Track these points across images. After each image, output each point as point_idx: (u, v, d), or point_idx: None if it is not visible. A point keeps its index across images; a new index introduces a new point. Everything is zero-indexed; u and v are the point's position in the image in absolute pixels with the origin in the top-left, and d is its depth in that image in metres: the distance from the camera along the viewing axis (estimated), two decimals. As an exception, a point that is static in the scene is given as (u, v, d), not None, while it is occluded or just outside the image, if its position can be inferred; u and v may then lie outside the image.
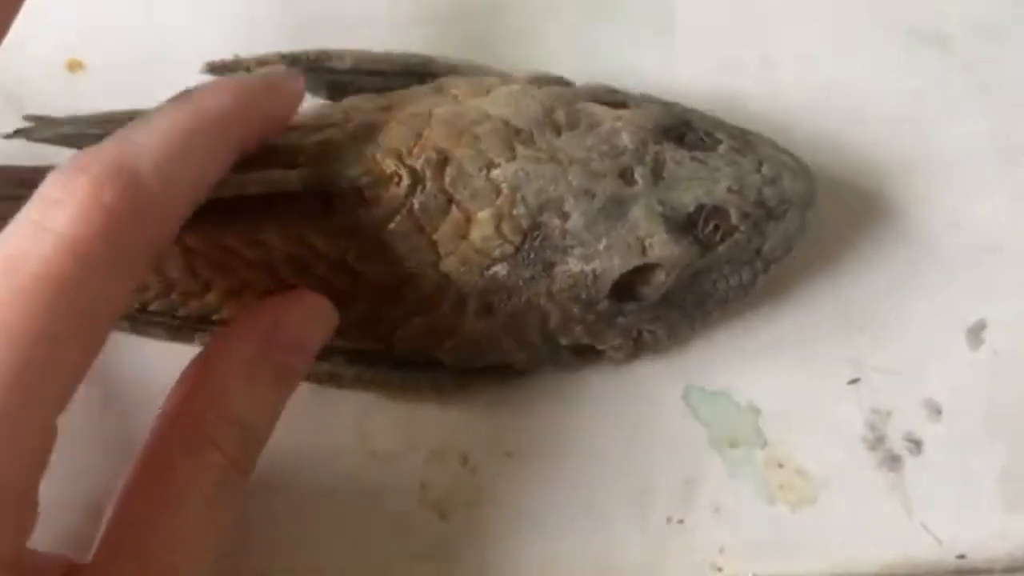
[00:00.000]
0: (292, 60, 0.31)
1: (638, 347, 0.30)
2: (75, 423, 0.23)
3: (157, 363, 0.30)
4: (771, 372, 0.32)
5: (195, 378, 0.26)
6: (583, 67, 0.34)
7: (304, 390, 0.30)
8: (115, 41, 0.34)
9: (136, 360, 0.31)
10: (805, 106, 0.35)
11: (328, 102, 0.32)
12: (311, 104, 0.31)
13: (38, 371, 0.21)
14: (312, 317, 0.27)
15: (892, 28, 0.35)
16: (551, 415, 0.32)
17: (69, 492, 0.28)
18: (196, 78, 0.33)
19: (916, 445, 0.32)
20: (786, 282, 0.33)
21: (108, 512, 0.25)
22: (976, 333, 0.33)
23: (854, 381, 0.32)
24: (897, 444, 0.32)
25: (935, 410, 0.32)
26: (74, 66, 0.34)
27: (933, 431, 0.32)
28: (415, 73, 0.32)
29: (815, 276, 0.33)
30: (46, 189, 0.22)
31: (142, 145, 0.23)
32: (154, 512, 0.24)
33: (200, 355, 0.27)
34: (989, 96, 0.35)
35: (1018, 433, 0.32)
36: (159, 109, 0.25)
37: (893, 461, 0.32)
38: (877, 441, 0.32)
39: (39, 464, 0.22)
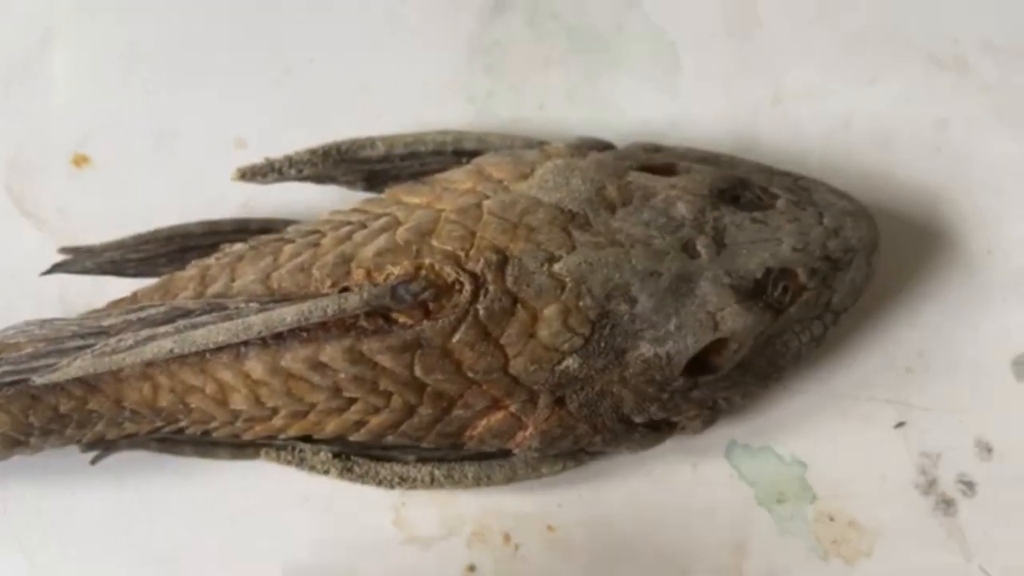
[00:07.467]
0: (323, 154, 0.30)
1: (714, 414, 0.29)
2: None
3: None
4: (814, 422, 0.31)
5: None
6: (593, 121, 0.34)
7: (336, 483, 0.30)
8: (120, 135, 0.34)
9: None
10: (822, 141, 0.34)
11: (369, 195, 0.31)
12: (353, 199, 0.30)
13: None
14: None
15: (907, 54, 0.34)
16: (589, 484, 0.31)
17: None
18: (202, 167, 0.33)
19: (969, 486, 0.31)
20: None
21: None
22: (1022, 364, 0.32)
23: (901, 424, 0.31)
24: (950, 487, 0.31)
25: (986, 448, 0.31)
26: (80, 161, 0.34)
27: (985, 470, 0.31)
28: (448, 152, 0.31)
29: (850, 317, 0.32)
30: None
31: None
32: None
33: None
34: (1013, 117, 0.34)
35: (1073, 465, 0.31)
36: None
37: (947, 505, 0.31)
38: (929, 485, 0.31)
39: None
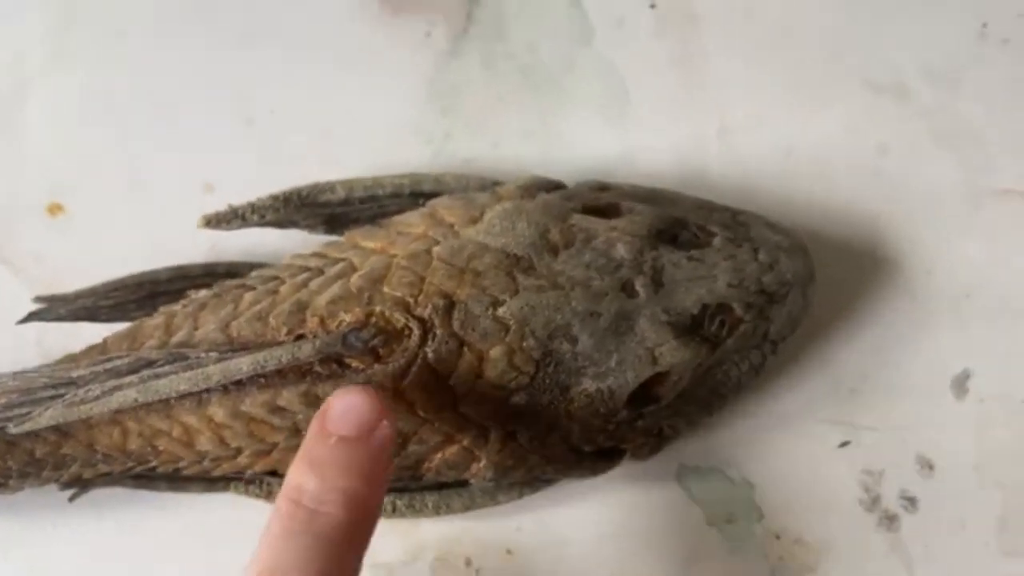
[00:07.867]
0: (285, 200, 0.32)
1: (660, 441, 0.31)
2: None
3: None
4: (761, 444, 0.33)
5: None
6: (546, 158, 0.35)
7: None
8: (93, 184, 0.35)
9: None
10: (768, 170, 0.35)
11: (329, 239, 0.32)
12: (313, 242, 0.32)
13: None
14: None
15: (847, 83, 0.35)
16: (546, 509, 0.32)
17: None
18: (172, 213, 0.34)
19: (911, 502, 0.32)
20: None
21: None
22: (961, 383, 0.33)
23: (845, 444, 0.33)
24: (893, 503, 0.32)
25: (927, 465, 0.33)
26: (55, 210, 0.35)
27: (927, 486, 0.33)
28: (406, 194, 0.32)
29: (795, 341, 0.33)
30: None
31: None
32: None
33: None
34: (950, 141, 0.35)
35: (1011, 479, 0.32)
36: None
37: (890, 521, 0.32)
38: (873, 502, 0.32)
39: None
